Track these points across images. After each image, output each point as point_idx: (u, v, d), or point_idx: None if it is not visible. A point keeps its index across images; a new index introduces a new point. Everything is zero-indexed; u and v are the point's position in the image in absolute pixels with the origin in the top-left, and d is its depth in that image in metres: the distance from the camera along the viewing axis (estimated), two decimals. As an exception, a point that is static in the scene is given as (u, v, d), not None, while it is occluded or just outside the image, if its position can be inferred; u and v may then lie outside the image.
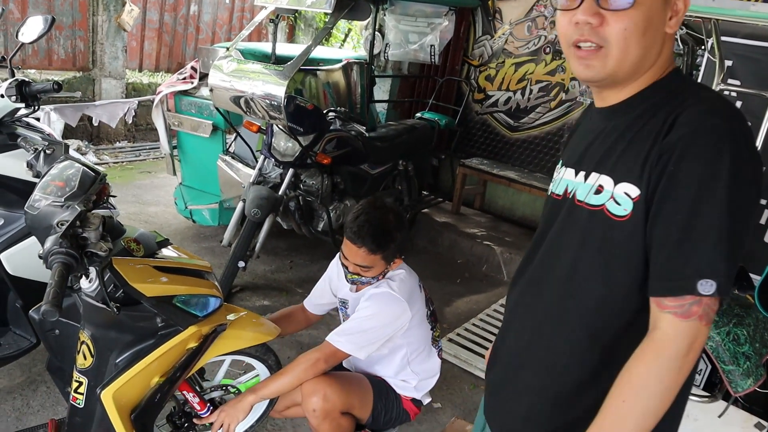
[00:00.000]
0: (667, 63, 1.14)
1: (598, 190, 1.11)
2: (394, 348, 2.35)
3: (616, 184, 1.08)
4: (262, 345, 2.22)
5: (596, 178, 1.12)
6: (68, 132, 6.66)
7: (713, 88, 2.32)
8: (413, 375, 2.41)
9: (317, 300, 2.60)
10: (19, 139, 2.39)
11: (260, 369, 2.35)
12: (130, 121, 6.97)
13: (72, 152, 2.32)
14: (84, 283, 1.72)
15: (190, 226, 5.15)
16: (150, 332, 1.82)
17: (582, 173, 1.17)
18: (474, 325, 4.10)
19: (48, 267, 1.42)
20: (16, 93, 2.51)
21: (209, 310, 1.95)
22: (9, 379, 2.89)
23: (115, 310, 1.66)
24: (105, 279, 1.68)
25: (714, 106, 1.04)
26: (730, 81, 2.81)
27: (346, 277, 2.31)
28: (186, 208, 4.87)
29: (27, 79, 2.55)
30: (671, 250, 1.00)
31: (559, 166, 1.31)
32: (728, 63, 2.84)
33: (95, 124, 6.43)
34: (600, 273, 1.12)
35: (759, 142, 2.27)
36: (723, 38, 2.86)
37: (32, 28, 2.66)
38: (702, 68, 2.70)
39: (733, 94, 2.69)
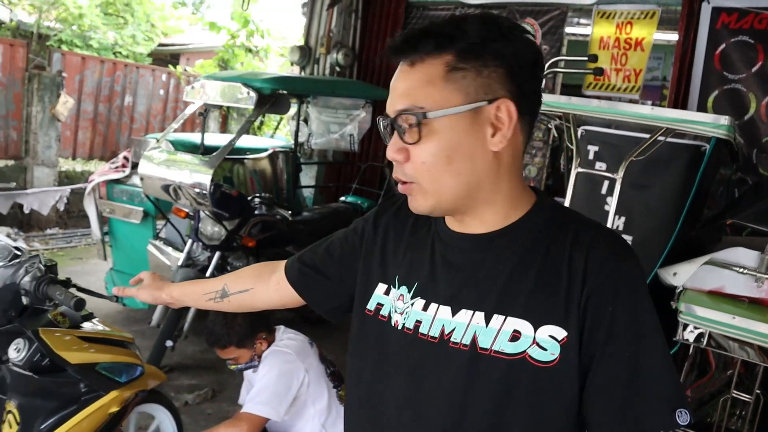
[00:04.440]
0: (520, 179, 1.05)
1: (515, 336, 0.98)
2: (301, 407, 2.55)
3: (537, 328, 0.97)
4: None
5: (502, 321, 0.99)
6: (-2, 220, 6.72)
7: (572, 171, 2.74)
8: None
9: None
10: None
11: (166, 422, 2.59)
12: (62, 209, 7.07)
13: None
14: (12, 353, 1.91)
15: (121, 310, 5.24)
16: (73, 398, 2.01)
17: (469, 313, 1.02)
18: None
19: (40, 295, 1.84)
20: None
21: (131, 377, 2.15)
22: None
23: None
24: (32, 348, 1.89)
25: (616, 243, 1.03)
26: (598, 164, 3.27)
27: (229, 368, 2.63)
28: (116, 291, 4.98)
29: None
30: (630, 392, 0.96)
31: (399, 289, 1.12)
32: (595, 148, 3.32)
33: (26, 211, 6.51)
34: (528, 428, 1.00)
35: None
36: (591, 128, 3.35)
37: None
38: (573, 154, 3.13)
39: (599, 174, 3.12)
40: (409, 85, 0.98)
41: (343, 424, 1.24)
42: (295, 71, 7.71)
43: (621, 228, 3.17)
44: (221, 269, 4.31)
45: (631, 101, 5.13)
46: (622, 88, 5.35)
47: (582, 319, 0.97)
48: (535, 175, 5.75)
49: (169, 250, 4.66)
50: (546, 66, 3.18)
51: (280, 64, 12.87)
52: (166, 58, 14.72)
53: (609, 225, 2.68)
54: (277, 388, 2.42)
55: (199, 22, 14.35)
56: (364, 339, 1.16)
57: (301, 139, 5.57)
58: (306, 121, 5.88)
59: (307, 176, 6.39)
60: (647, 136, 2.70)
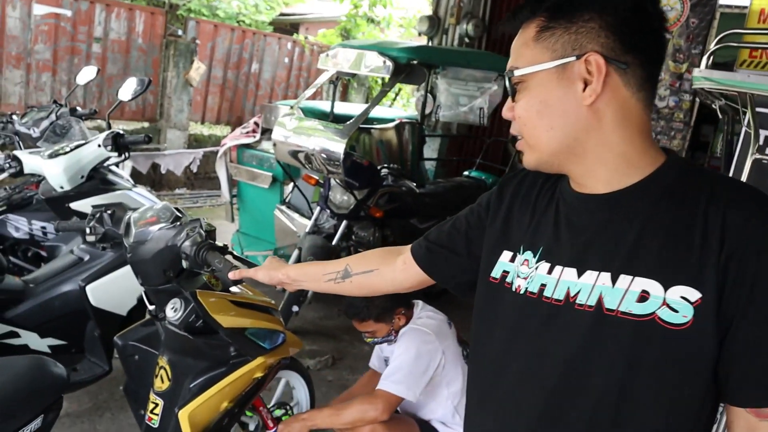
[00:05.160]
0: (642, 137, 1.02)
1: (643, 297, 0.95)
2: (435, 388, 2.48)
3: (667, 288, 0.93)
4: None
5: (630, 282, 0.96)
6: (134, 178, 7.07)
7: (748, 158, 2.47)
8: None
9: (377, 362, 2.81)
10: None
11: (299, 388, 2.62)
12: (195, 170, 7.40)
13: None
14: (169, 312, 1.95)
15: (246, 272, 5.40)
16: (223, 360, 2.03)
17: (595, 274, 1.00)
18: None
19: (199, 261, 1.81)
20: (111, 143, 2.84)
21: (274, 344, 2.15)
22: (78, 404, 3.12)
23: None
24: (188, 309, 1.92)
25: (758, 199, 0.96)
26: (768, 151, 2.95)
27: (365, 341, 2.59)
28: (243, 253, 5.14)
29: (121, 132, 2.88)
30: None
31: (524, 255, 1.12)
32: (766, 133, 2.99)
33: (163, 171, 6.85)
34: (659, 394, 0.97)
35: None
36: (763, 110, 3.02)
37: (129, 87, 3.02)
38: (740, 139, 2.85)
39: (770, 163, 2.81)
40: (513, 50, 1.06)
41: (466, 390, 1.24)
42: (419, 42, 7.60)
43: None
44: (347, 238, 4.31)
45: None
46: (783, 66, 4.85)
47: (721, 281, 0.91)
48: (673, 159, 5.35)
49: (296, 215, 4.72)
50: (714, 42, 2.88)
51: (400, 35, 12.78)
52: (286, 27, 14.98)
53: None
54: (414, 369, 2.37)
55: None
56: (488, 306, 1.17)
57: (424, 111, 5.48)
58: (432, 92, 5.77)
59: (430, 149, 6.31)
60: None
